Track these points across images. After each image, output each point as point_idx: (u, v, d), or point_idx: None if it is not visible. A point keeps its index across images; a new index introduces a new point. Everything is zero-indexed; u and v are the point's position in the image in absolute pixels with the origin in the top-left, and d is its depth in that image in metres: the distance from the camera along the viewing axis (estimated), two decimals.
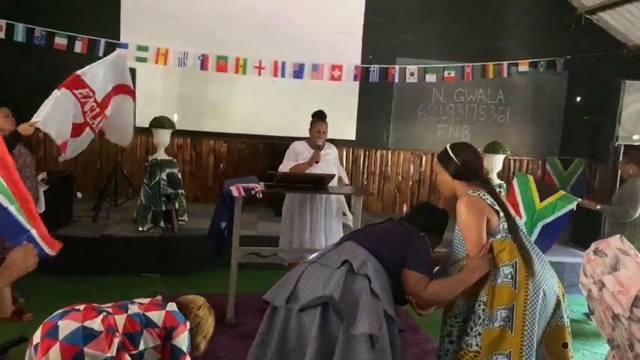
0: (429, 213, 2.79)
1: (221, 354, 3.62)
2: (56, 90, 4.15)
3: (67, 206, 5.54)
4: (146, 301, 2.44)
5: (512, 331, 2.45)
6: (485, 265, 2.44)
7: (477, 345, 2.50)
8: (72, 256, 4.94)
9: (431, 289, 2.47)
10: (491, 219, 2.48)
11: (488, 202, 2.51)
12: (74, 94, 4.10)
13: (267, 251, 4.25)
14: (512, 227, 2.54)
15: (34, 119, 3.86)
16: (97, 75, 4.34)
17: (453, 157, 2.61)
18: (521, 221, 4.48)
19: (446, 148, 2.64)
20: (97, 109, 4.38)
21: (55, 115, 3.96)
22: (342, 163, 6.21)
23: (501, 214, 2.51)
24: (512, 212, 2.58)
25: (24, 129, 3.77)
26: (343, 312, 2.27)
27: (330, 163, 4.65)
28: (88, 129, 4.37)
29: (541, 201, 4.43)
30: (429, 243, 2.62)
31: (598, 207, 4.42)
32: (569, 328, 2.59)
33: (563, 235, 6.35)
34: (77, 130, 4.32)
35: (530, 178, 4.57)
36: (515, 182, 4.52)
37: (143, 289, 4.75)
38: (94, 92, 4.29)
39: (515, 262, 2.50)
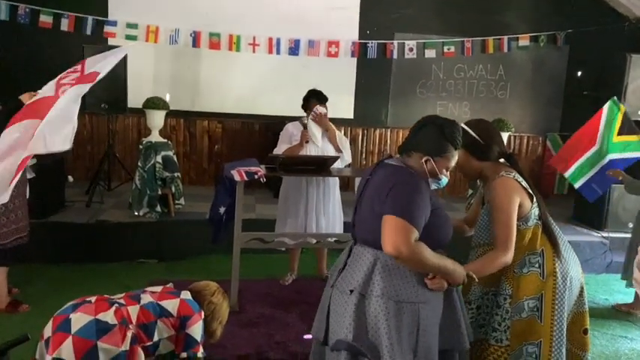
0: (428, 130, 2.18)
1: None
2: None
3: (60, 191, 5.36)
4: (158, 289, 2.37)
5: (541, 321, 2.38)
6: (461, 278, 2.16)
7: (507, 339, 2.42)
8: (66, 243, 4.86)
9: (418, 249, 2.03)
10: (524, 203, 2.36)
11: (523, 185, 2.39)
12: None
13: (269, 236, 4.12)
14: (544, 213, 2.44)
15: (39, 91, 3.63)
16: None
17: (477, 136, 2.44)
18: (592, 149, 4.53)
19: (462, 128, 2.32)
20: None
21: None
22: None
23: (534, 198, 2.40)
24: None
25: (26, 97, 3.57)
26: (364, 350, 2.08)
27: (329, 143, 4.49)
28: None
29: (618, 134, 4.51)
30: (434, 168, 2.16)
31: (620, 177, 4.34)
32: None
33: (567, 212, 6.31)
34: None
35: (622, 108, 4.60)
36: (606, 107, 4.55)
37: (141, 275, 4.64)
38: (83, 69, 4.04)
39: (542, 250, 2.41)
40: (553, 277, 2.39)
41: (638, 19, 6.80)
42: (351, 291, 2.12)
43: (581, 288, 2.53)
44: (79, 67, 3.80)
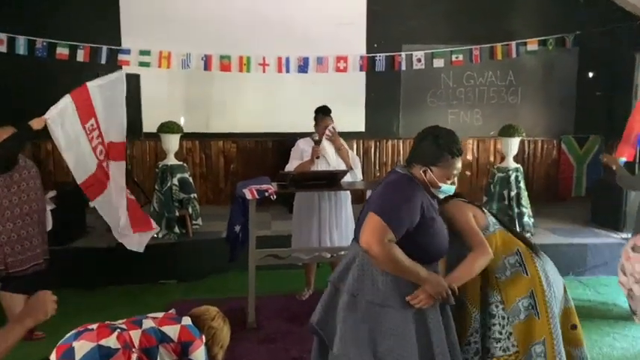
0: (426, 141, 2.26)
1: None
2: (67, 96, 4.09)
3: (81, 218, 5.51)
4: (160, 315, 2.41)
5: (538, 317, 2.41)
6: (440, 287, 2.18)
7: (513, 345, 2.45)
8: (88, 268, 4.98)
9: (388, 248, 2.11)
10: (476, 214, 2.51)
11: (467, 202, 2.56)
12: (84, 128, 4.05)
13: (284, 252, 4.18)
14: (498, 218, 2.62)
15: (45, 115, 3.81)
16: (102, 102, 4.26)
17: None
18: None
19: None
20: (103, 154, 4.31)
21: (64, 125, 3.90)
22: None
23: (482, 208, 2.57)
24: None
25: (36, 122, 3.73)
26: (323, 336, 2.37)
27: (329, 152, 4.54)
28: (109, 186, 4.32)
29: None
30: (433, 178, 2.22)
31: (615, 167, 4.29)
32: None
33: (585, 214, 6.26)
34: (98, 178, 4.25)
35: None
36: None
37: (162, 296, 4.73)
38: (98, 125, 4.22)
39: (518, 249, 2.48)
40: (537, 272, 2.45)
41: None
42: (329, 282, 2.34)
43: (564, 285, 2.60)
44: (92, 114, 3.98)
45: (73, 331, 2.23)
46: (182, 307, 4.36)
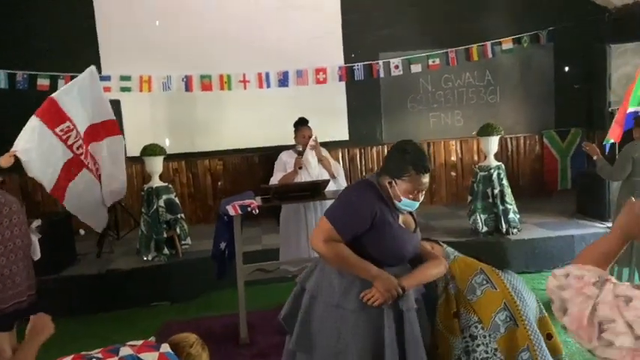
0: (395, 154, 2.33)
1: None
2: (33, 117, 4.13)
3: (70, 246, 5.53)
4: (139, 342, 2.41)
5: (517, 326, 2.45)
6: (390, 285, 2.21)
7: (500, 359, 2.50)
8: (80, 296, 4.99)
9: (332, 246, 2.22)
10: (433, 247, 2.62)
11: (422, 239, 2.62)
12: (56, 133, 4.08)
13: (272, 266, 4.22)
14: (454, 247, 2.78)
15: (12, 149, 3.84)
16: (74, 102, 4.30)
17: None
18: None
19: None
20: (83, 148, 4.35)
21: (35, 147, 3.95)
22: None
23: (440, 243, 2.70)
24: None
25: (4, 161, 3.75)
26: (287, 330, 2.50)
27: (312, 162, 4.60)
28: (85, 170, 4.34)
29: None
30: (396, 190, 2.27)
31: (595, 157, 4.35)
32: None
33: (571, 206, 6.32)
34: (68, 171, 4.28)
35: None
36: None
37: (155, 319, 4.74)
38: (74, 125, 4.26)
39: (480, 268, 2.55)
40: (504, 284, 2.52)
41: (618, 9, 6.87)
42: (296, 282, 2.46)
43: (535, 297, 2.67)
44: (64, 119, 4.04)
45: None
46: (175, 328, 4.40)
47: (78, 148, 4.33)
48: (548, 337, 2.58)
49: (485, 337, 2.48)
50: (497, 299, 2.49)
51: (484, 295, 2.50)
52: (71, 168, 4.39)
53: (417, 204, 2.32)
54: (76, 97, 4.37)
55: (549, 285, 1.40)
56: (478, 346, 2.50)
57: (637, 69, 5.68)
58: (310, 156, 4.53)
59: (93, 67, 4.61)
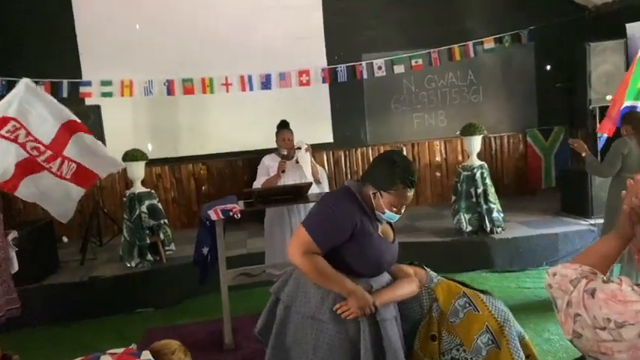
0: (383, 165, 2.28)
1: None
2: None
3: (53, 253, 5.46)
4: (120, 351, 2.38)
5: (500, 348, 2.44)
6: (364, 301, 2.19)
7: None
8: (63, 304, 4.92)
9: (310, 259, 2.16)
10: (417, 272, 2.55)
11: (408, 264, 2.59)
12: (2, 135, 3.98)
13: (256, 270, 4.19)
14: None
15: None
16: (22, 112, 4.19)
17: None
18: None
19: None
20: (47, 151, 4.21)
21: None
22: (323, 167, 6.16)
23: (424, 267, 2.62)
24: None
25: None
26: (264, 342, 2.44)
27: (306, 170, 4.61)
28: (45, 172, 4.21)
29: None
30: (380, 202, 2.24)
31: (584, 154, 4.37)
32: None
33: (555, 204, 6.35)
34: (25, 167, 4.17)
35: None
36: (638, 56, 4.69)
37: (139, 325, 4.69)
38: (21, 124, 4.13)
39: (463, 291, 2.56)
40: (486, 307, 2.51)
41: (597, 7, 6.94)
42: (270, 292, 2.41)
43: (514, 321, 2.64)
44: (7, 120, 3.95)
45: None
46: (159, 334, 4.35)
47: (33, 149, 4.19)
48: (528, 358, 2.59)
49: (467, 359, 2.49)
50: (479, 322, 2.48)
51: (466, 318, 2.50)
52: (28, 166, 4.26)
53: (399, 216, 2.30)
54: (24, 107, 4.23)
55: (545, 282, 1.49)
56: None
57: (616, 67, 5.76)
58: (304, 160, 4.55)
59: (27, 80, 4.43)
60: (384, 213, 2.26)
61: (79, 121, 4.45)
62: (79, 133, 4.42)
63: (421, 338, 2.54)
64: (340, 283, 2.18)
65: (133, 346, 2.51)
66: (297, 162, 4.58)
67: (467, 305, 2.52)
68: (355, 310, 2.16)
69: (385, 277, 2.36)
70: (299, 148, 4.58)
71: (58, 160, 4.23)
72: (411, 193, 2.27)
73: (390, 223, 2.45)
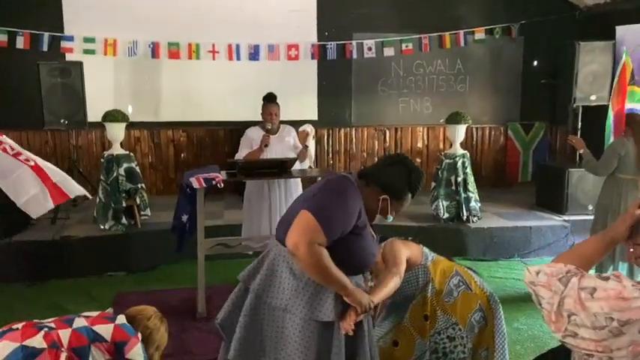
0: (397, 171, 2.20)
1: None
2: None
3: (21, 210, 5.30)
4: (95, 314, 2.34)
5: (487, 324, 2.54)
6: (365, 300, 2.10)
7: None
8: (33, 261, 4.82)
9: (317, 252, 1.94)
10: (412, 252, 2.57)
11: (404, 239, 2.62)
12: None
13: (234, 241, 4.17)
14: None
15: None
16: None
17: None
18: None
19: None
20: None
21: None
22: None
23: (419, 245, 2.66)
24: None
25: None
26: (222, 335, 2.25)
27: (289, 145, 4.58)
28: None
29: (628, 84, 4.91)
30: (388, 207, 2.18)
31: (581, 151, 4.41)
32: None
33: (530, 198, 6.46)
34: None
35: (629, 59, 4.97)
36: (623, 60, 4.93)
37: (110, 288, 4.63)
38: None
39: (456, 269, 2.61)
40: (478, 286, 2.59)
41: (589, 8, 6.99)
42: (238, 279, 2.23)
43: None
44: None
45: None
46: (130, 298, 4.31)
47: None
48: None
49: (463, 337, 2.56)
50: (472, 301, 2.56)
51: (461, 297, 2.57)
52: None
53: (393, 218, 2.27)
54: None
55: (526, 279, 1.46)
56: (456, 347, 2.57)
57: (603, 67, 5.83)
58: (311, 146, 4.54)
59: None
60: (386, 217, 2.22)
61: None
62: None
63: (412, 315, 2.59)
64: (342, 282, 2.01)
65: (109, 310, 2.47)
66: (307, 146, 4.62)
67: (460, 284, 2.58)
68: (357, 314, 2.06)
69: (360, 278, 2.25)
70: (307, 134, 4.66)
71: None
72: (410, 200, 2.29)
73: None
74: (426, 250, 2.69)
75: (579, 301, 1.29)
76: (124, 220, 5.16)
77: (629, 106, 4.83)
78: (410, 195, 2.22)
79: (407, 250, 2.51)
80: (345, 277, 2.03)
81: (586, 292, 1.30)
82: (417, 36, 6.68)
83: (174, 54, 6.42)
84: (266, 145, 4.43)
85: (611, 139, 4.91)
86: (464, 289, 2.57)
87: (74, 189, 4.10)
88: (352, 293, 2.04)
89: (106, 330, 2.25)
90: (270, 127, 4.51)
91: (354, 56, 6.69)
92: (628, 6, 6.09)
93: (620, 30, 5.91)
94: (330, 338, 2.05)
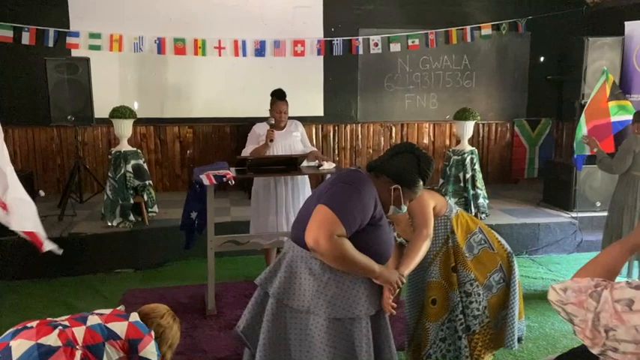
0: (406, 160, 2.16)
1: None
2: None
3: None
4: (108, 311, 2.34)
5: (507, 285, 2.63)
6: (394, 276, 2.13)
7: (487, 317, 2.63)
8: (40, 258, 4.78)
9: (339, 243, 1.92)
10: (438, 202, 2.60)
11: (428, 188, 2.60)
12: None
13: (244, 238, 4.14)
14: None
15: None
16: None
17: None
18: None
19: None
20: None
21: None
22: (311, 141, 6.10)
23: (442, 193, 2.69)
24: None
25: None
26: (246, 342, 2.20)
27: (296, 139, 4.54)
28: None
29: (608, 101, 5.02)
30: (400, 197, 2.14)
31: (596, 149, 4.41)
32: None
33: (537, 195, 6.44)
34: None
35: (611, 78, 5.12)
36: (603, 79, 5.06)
37: (118, 285, 4.63)
38: None
39: (479, 227, 2.61)
40: (501, 246, 2.60)
41: (596, 3, 6.95)
42: (256, 283, 2.19)
43: None
44: None
45: (11, 330, 2.12)
46: (139, 296, 4.30)
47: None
48: None
49: (479, 294, 2.59)
50: (493, 260, 2.59)
51: (481, 255, 2.61)
52: None
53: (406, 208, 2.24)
54: None
55: (551, 298, 1.41)
56: (471, 303, 2.59)
57: (611, 63, 5.80)
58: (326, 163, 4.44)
59: None
60: (400, 207, 2.18)
61: None
62: None
63: (443, 268, 2.61)
64: (370, 267, 2.02)
65: (121, 308, 2.46)
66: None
67: (482, 242, 2.60)
68: (390, 291, 2.10)
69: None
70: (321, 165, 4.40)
71: None
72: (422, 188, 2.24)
73: None
74: (451, 203, 2.71)
75: (616, 315, 1.25)
76: (131, 217, 5.14)
77: (619, 119, 4.91)
78: (421, 182, 2.17)
79: (432, 201, 2.53)
80: (371, 261, 2.03)
81: (622, 305, 1.25)
82: (424, 32, 6.64)
83: (180, 50, 6.38)
84: (271, 140, 4.39)
85: (587, 153, 5.09)
86: (486, 247, 2.61)
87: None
88: (381, 274, 2.07)
89: (120, 327, 2.24)
90: (273, 122, 4.45)
91: (360, 52, 6.65)
92: (637, 1, 6.05)
93: (630, 25, 5.87)
94: (355, 335, 2.04)
